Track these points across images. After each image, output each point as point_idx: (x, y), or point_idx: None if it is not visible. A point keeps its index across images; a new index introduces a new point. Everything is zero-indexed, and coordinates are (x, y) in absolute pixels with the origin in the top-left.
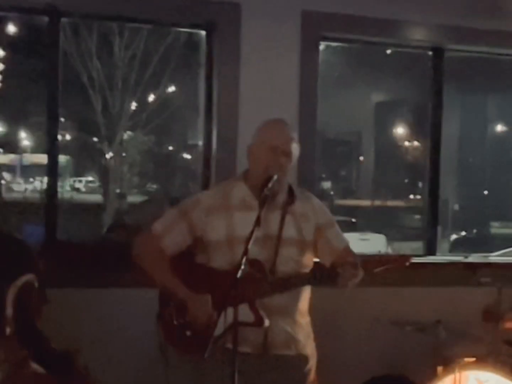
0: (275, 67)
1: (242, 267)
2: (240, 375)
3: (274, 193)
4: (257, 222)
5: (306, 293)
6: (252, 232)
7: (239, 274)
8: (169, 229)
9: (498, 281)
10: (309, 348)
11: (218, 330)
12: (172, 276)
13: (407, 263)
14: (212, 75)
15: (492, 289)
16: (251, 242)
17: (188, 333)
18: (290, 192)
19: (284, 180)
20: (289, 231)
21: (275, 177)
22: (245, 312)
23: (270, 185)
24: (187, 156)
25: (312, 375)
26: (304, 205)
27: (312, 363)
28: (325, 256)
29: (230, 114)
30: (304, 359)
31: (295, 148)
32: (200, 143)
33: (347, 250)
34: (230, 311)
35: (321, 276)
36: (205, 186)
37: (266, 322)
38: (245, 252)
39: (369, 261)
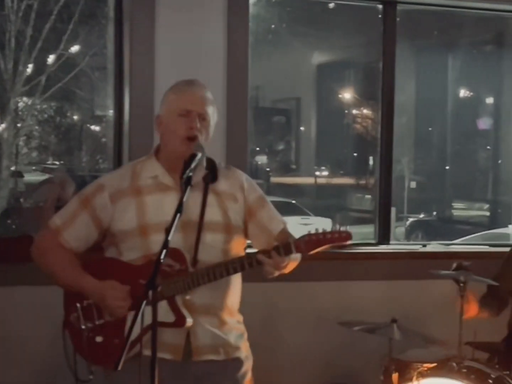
0: (198, 21)
1: (162, 258)
2: None
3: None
4: (179, 209)
5: (236, 288)
6: (173, 219)
7: (156, 267)
8: (69, 222)
9: (461, 274)
10: (242, 350)
11: (134, 334)
12: (75, 271)
13: (348, 242)
14: (122, 32)
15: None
16: (172, 229)
17: (98, 339)
18: (212, 167)
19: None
20: (213, 214)
21: (199, 155)
22: (163, 311)
23: (193, 165)
24: (95, 127)
25: (247, 378)
26: (229, 182)
27: (248, 366)
28: (259, 241)
29: (145, 77)
30: (236, 363)
31: (213, 111)
32: (111, 112)
33: (284, 233)
34: (146, 311)
35: (250, 265)
36: (118, 162)
37: (189, 322)
38: (166, 241)
39: (300, 243)
